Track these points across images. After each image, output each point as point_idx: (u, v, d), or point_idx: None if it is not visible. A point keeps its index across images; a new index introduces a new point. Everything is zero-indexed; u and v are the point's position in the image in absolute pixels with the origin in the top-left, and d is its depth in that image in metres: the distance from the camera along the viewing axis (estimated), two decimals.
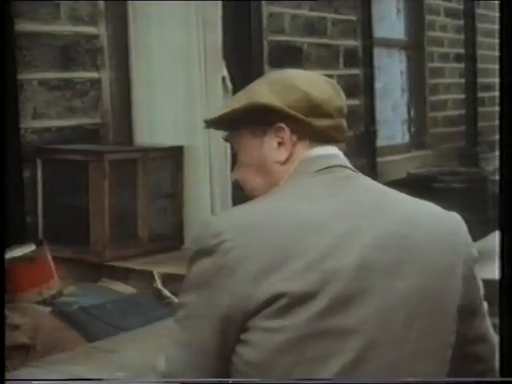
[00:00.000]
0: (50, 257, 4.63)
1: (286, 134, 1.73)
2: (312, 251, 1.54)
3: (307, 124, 1.72)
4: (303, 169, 1.72)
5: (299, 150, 1.74)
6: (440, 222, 1.73)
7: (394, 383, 1.44)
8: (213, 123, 1.86)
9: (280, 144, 1.73)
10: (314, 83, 1.76)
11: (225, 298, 1.55)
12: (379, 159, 7.82)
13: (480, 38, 10.22)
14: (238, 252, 1.54)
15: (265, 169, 1.75)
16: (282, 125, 1.72)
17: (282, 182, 1.72)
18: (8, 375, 3.02)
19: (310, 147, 1.74)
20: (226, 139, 1.87)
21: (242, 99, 1.76)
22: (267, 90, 1.74)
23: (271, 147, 1.74)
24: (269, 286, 1.51)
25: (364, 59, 7.90)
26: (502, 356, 1.79)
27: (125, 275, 4.88)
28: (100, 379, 1.93)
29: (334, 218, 1.60)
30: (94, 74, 5.47)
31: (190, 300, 1.63)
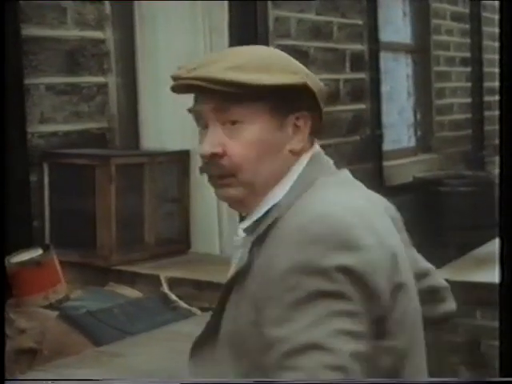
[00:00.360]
0: (56, 261, 4.64)
1: (308, 123, 1.65)
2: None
3: (321, 117, 1.68)
4: (321, 164, 1.68)
5: (308, 142, 1.68)
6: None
7: (394, 383, 1.44)
8: (245, 87, 1.57)
9: (295, 132, 1.64)
10: None
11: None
12: (385, 163, 7.81)
13: (486, 42, 10.21)
14: None
15: (276, 154, 1.62)
16: (306, 113, 1.64)
17: (293, 172, 1.63)
18: (9, 377, 3.03)
19: (313, 141, 1.71)
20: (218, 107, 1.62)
21: (286, 74, 1.59)
22: (312, 74, 1.65)
23: (287, 133, 1.63)
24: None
25: (370, 63, 7.90)
26: (501, 356, 1.79)
27: (131, 279, 4.89)
28: (100, 379, 1.92)
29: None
30: (100, 79, 5.48)
31: None
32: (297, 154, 1.64)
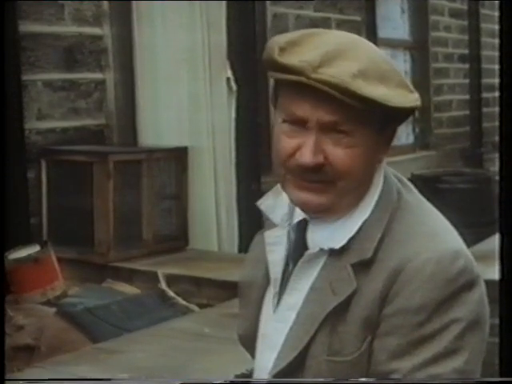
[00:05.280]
0: (54, 258, 4.64)
1: (395, 135, 1.60)
2: None
3: None
4: (391, 173, 1.64)
5: None
6: None
7: (393, 383, 1.44)
8: (375, 105, 1.47)
9: (386, 142, 1.58)
10: None
11: None
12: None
13: (484, 39, 10.21)
14: None
15: (371, 166, 1.56)
16: (399, 125, 1.59)
17: (376, 184, 1.58)
18: (13, 376, 3.03)
19: None
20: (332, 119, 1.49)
21: (405, 90, 1.52)
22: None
23: (383, 144, 1.57)
24: None
25: None
26: (501, 356, 1.79)
27: (129, 276, 4.88)
28: (101, 379, 1.92)
29: None
30: (98, 75, 5.48)
31: None
32: (379, 163, 1.59)
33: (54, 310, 4.28)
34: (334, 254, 1.54)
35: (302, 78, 1.45)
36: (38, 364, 3.66)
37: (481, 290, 1.52)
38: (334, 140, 1.49)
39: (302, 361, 1.54)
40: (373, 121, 1.51)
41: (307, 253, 1.56)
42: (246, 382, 1.56)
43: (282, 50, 1.48)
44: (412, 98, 1.52)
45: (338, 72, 1.45)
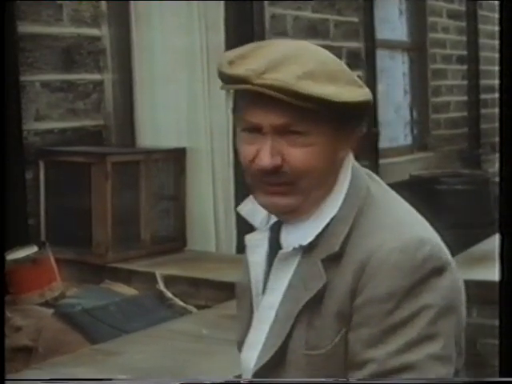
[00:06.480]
0: (52, 259, 4.63)
1: (359, 129, 1.62)
2: None
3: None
4: (360, 168, 1.65)
5: None
6: None
7: (392, 383, 1.45)
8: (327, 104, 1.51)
9: (348, 139, 1.60)
10: None
11: None
12: (382, 161, 7.81)
13: (482, 40, 10.22)
14: None
15: (333, 161, 1.59)
16: (360, 119, 1.62)
17: (342, 180, 1.60)
18: (11, 377, 3.02)
19: None
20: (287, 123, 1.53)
21: (354, 86, 1.56)
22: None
23: (344, 141, 1.59)
24: None
25: (366, 61, 7.90)
26: (501, 356, 1.79)
27: (127, 277, 4.88)
28: (100, 379, 1.92)
29: None
30: (96, 76, 5.47)
31: None
32: (342, 160, 1.61)
33: (51, 311, 4.28)
34: (306, 251, 1.59)
35: (248, 86, 1.51)
36: (36, 365, 3.66)
37: (452, 276, 1.54)
38: (289, 141, 1.54)
39: (283, 357, 1.58)
40: (328, 119, 1.54)
41: (281, 252, 1.61)
42: (245, 383, 1.57)
43: (231, 62, 1.55)
44: (361, 93, 1.57)
45: (283, 76, 1.50)
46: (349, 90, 1.54)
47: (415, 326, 1.47)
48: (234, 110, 1.62)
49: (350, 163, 1.63)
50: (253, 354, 1.63)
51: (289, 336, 1.57)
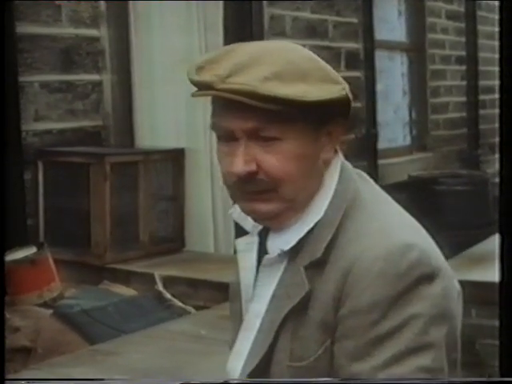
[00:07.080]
0: (51, 259, 4.63)
1: (339, 130, 1.53)
2: None
3: (346, 121, 1.57)
4: (351, 171, 1.58)
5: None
6: None
7: (391, 383, 1.42)
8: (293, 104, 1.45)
9: (328, 140, 1.53)
10: None
11: None
12: (380, 161, 7.81)
13: (481, 41, 10.22)
14: None
15: (313, 165, 1.51)
16: (339, 120, 1.53)
17: (328, 184, 1.53)
18: (10, 377, 3.02)
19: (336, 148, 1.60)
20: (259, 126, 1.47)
21: (327, 83, 1.48)
22: (343, 81, 1.53)
23: (322, 143, 1.52)
24: None
25: (365, 62, 7.90)
26: (501, 356, 1.79)
27: (126, 277, 4.88)
28: (100, 379, 1.91)
29: None
30: (95, 77, 5.47)
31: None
32: (327, 163, 1.54)
33: (50, 311, 4.28)
34: (291, 258, 1.52)
35: (213, 92, 1.46)
36: (35, 366, 3.66)
37: (444, 283, 1.45)
38: (264, 147, 1.48)
39: (266, 368, 1.52)
40: (303, 120, 1.47)
41: (265, 258, 1.54)
42: (243, 383, 1.55)
43: (200, 68, 1.50)
44: (335, 90, 1.48)
45: (246, 79, 1.44)
46: (320, 87, 1.46)
47: (403, 337, 1.39)
48: (211, 117, 1.56)
49: (339, 164, 1.57)
50: (238, 364, 1.57)
51: (273, 346, 1.51)
